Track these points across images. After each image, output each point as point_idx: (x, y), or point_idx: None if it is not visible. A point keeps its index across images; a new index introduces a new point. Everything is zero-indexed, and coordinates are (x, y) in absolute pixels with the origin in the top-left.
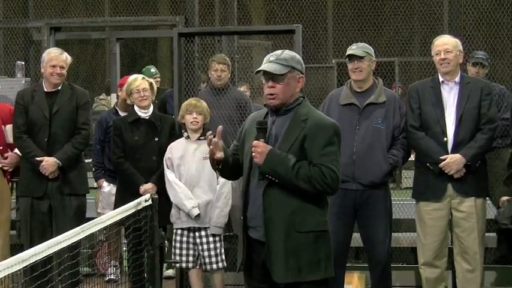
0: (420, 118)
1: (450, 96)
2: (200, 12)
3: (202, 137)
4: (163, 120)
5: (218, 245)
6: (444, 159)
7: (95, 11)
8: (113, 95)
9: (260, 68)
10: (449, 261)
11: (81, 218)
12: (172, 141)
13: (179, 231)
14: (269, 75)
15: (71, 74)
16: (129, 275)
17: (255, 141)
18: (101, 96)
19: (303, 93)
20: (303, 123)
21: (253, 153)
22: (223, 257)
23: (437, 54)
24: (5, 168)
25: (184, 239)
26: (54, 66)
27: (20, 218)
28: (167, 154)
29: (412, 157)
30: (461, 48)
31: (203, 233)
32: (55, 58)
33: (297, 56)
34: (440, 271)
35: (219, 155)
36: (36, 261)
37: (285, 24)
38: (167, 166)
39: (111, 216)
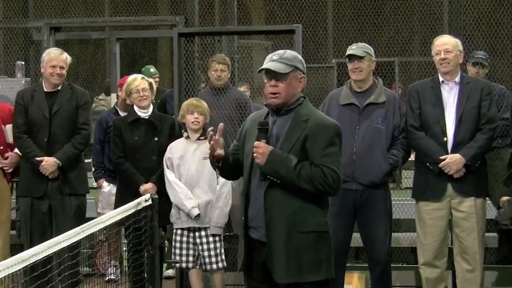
0: (420, 118)
1: (450, 96)
2: (200, 12)
3: (202, 137)
4: (163, 120)
5: (218, 245)
6: (444, 159)
7: (94, 11)
8: (113, 95)
9: (263, 67)
10: (449, 261)
11: (81, 218)
12: (172, 141)
13: (179, 231)
14: (272, 74)
15: (71, 74)
16: (129, 275)
17: (257, 142)
18: (100, 97)
19: (303, 93)
20: (304, 123)
21: (255, 154)
22: (223, 257)
23: (437, 54)
24: (5, 168)
25: (184, 239)
26: (54, 66)
27: (20, 218)
28: (167, 154)
29: (412, 157)
30: (461, 48)
31: (203, 233)
32: (55, 58)
33: (299, 56)
34: (440, 271)
35: (220, 151)
36: (36, 261)
37: (285, 24)
38: (167, 166)
39: (111, 216)
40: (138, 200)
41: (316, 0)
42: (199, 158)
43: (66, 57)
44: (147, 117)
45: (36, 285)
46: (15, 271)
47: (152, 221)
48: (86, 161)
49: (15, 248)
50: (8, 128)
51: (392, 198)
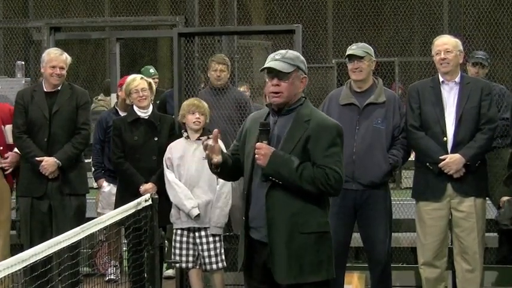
0: (420, 118)
1: (450, 96)
2: (200, 12)
3: (202, 137)
4: (163, 120)
5: (218, 245)
6: (444, 159)
7: (95, 11)
8: (113, 95)
9: (266, 65)
10: (449, 261)
11: (81, 218)
12: (172, 141)
13: (179, 231)
14: (274, 74)
15: (71, 74)
16: (129, 275)
17: (258, 143)
18: (99, 97)
19: (303, 94)
20: (306, 123)
21: (257, 155)
22: (223, 257)
23: (437, 54)
24: (6, 167)
25: (184, 239)
26: (54, 67)
27: (20, 218)
28: (167, 154)
29: (412, 157)
30: (461, 48)
31: (203, 233)
32: (55, 59)
33: (301, 56)
34: (440, 271)
35: (217, 159)
36: (36, 261)
37: (285, 24)
38: (167, 166)
39: (111, 216)
40: (138, 200)
41: (316, 0)
42: (199, 158)
43: (66, 58)
44: (146, 117)
45: (36, 285)
46: (15, 271)
47: (152, 221)
48: (86, 161)
49: (15, 248)
50: (8, 129)
51: (392, 198)
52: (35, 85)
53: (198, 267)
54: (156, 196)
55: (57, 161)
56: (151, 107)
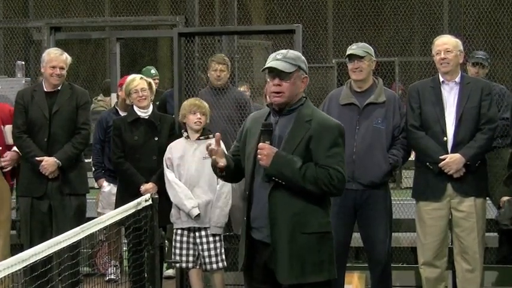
0: (420, 118)
1: (450, 96)
2: (200, 12)
3: (202, 137)
4: (163, 120)
5: (218, 244)
6: (444, 159)
7: (95, 10)
8: (113, 95)
9: (268, 65)
10: (449, 261)
11: (81, 218)
12: (172, 141)
13: (179, 231)
14: (275, 73)
15: (71, 74)
16: (129, 275)
17: (261, 144)
18: (99, 97)
19: (304, 93)
20: (308, 124)
21: (259, 156)
22: (224, 256)
23: (437, 54)
24: (5, 165)
25: (185, 239)
26: (54, 67)
27: (20, 218)
28: (167, 154)
29: (412, 157)
30: (461, 48)
31: (203, 233)
32: (55, 59)
33: (302, 56)
34: (440, 271)
35: (222, 163)
36: (36, 261)
37: (285, 24)
38: (167, 166)
39: (111, 216)
40: (138, 200)
41: (316, 0)
42: (199, 158)
43: (66, 58)
44: (147, 117)
45: (36, 285)
46: (15, 271)
47: (152, 221)
48: (86, 161)
49: (15, 248)
50: (8, 129)
51: (392, 198)
52: (35, 85)
53: (198, 267)
54: (156, 196)
55: (57, 161)
56: (151, 106)
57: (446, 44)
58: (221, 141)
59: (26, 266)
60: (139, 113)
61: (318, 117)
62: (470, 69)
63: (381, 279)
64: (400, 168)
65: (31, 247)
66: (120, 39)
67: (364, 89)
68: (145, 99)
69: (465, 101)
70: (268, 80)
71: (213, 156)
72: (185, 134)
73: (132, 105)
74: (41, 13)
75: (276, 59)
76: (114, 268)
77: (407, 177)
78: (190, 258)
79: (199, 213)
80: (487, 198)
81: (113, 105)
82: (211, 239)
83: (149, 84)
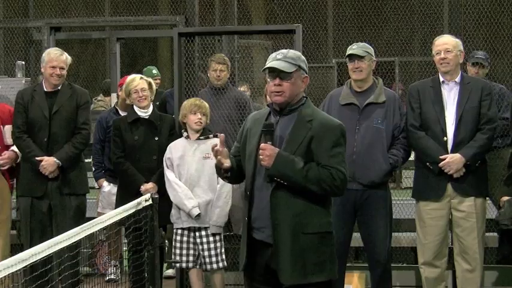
0: (420, 118)
1: (450, 96)
2: (200, 12)
3: (202, 137)
4: (163, 120)
5: (218, 244)
6: (444, 159)
7: (95, 10)
8: (113, 95)
9: (268, 65)
10: (449, 261)
11: (81, 218)
12: (172, 140)
13: (179, 231)
14: (276, 73)
15: (71, 74)
16: (129, 275)
17: (263, 144)
18: (99, 97)
19: (304, 93)
20: (309, 123)
21: (261, 156)
22: (224, 256)
23: (437, 53)
24: (2, 162)
25: (185, 238)
26: (54, 67)
27: (20, 218)
28: (167, 154)
29: (412, 157)
30: (461, 48)
31: (203, 232)
32: (55, 59)
33: (302, 56)
34: (440, 271)
35: (227, 164)
36: (36, 261)
37: (285, 24)
38: (167, 166)
39: (111, 216)
40: (138, 200)
41: (316, 0)
42: (199, 158)
43: (66, 58)
44: (147, 117)
45: (36, 285)
46: (15, 271)
47: (152, 221)
48: (86, 160)
49: (15, 248)
50: (7, 129)
51: (392, 198)
52: (35, 85)
53: (198, 267)
54: (156, 196)
55: (57, 161)
56: (151, 106)
57: (446, 44)
58: None
59: (26, 266)
60: (139, 113)
61: (319, 117)
62: (470, 69)
63: (380, 279)
64: (400, 168)
65: (31, 247)
66: (120, 39)
67: (364, 89)
68: (145, 99)
69: (465, 101)
70: (269, 80)
71: (218, 157)
72: (185, 134)
73: (132, 105)
74: (41, 13)
75: (276, 59)
76: (114, 268)
77: (407, 177)
78: (191, 258)
79: (199, 213)
80: (487, 198)
81: (113, 105)
82: (211, 238)
83: (149, 84)
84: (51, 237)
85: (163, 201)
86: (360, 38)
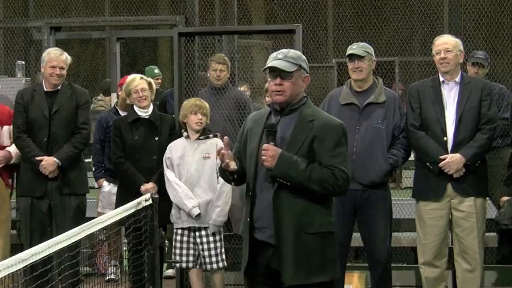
0: (420, 118)
1: (450, 96)
2: (200, 12)
3: (202, 137)
4: (163, 120)
5: (218, 244)
6: (444, 159)
7: (95, 10)
8: (113, 95)
9: (269, 65)
10: (449, 261)
11: (81, 217)
12: (172, 140)
13: (179, 231)
14: (277, 73)
15: (71, 74)
16: (129, 275)
17: (266, 145)
18: (99, 97)
19: (305, 93)
20: (311, 123)
21: (264, 157)
22: (224, 256)
23: (437, 53)
24: None
25: (185, 238)
26: (53, 67)
27: (20, 218)
28: (167, 154)
29: (412, 157)
30: (461, 48)
31: (203, 232)
32: (55, 59)
33: (303, 55)
34: (440, 271)
35: (233, 166)
36: (36, 261)
37: (285, 24)
38: (167, 166)
39: (111, 216)
40: (138, 199)
41: (316, 0)
42: (199, 158)
43: (66, 58)
44: (147, 117)
45: (36, 285)
46: (15, 271)
47: (152, 221)
48: (86, 160)
49: (15, 248)
50: (5, 130)
51: (392, 198)
52: (35, 85)
53: (198, 267)
54: (156, 196)
55: (57, 161)
56: (151, 106)
57: (446, 43)
58: (221, 141)
59: (26, 266)
60: (139, 113)
61: (320, 117)
62: (469, 69)
63: (381, 279)
64: (400, 168)
65: (31, 247)
66: (120, 39)
67: (364, 88)
68: (145, 99)
69: (465, 101)
70: (269, 79)
71: (226, 160)
72: (185, 134)
73: (132, 105)
74: (41, 13)
75: (277, 59)
76: (114, 268)
77: (407, 177)
78: (191, 258)
79: (199, 213)
80: (487, 198)
81: (112, 105)
82: (211, 238)
83: (149, 84)
84: (51, 237)
85: (163, 201)
86: (360, 38)
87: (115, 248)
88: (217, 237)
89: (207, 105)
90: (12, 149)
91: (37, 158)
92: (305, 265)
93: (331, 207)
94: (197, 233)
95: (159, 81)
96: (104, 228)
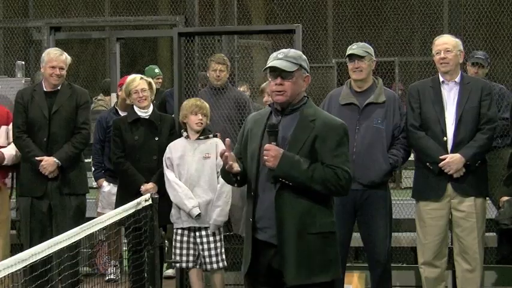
0: (420, 118)
1: (450, 96)
2: (200, 12)
3: (202, 137)
4: (163, 120)
5: (218, 244)
6: (444, 159)
7: (95, 10)
8: (113, 95)
9: (270, 65)
10: (449, 261)
11: (80, 217)
12: (172, 140)
13: (179, 231)
14: (277, 73)
15: (71, 74)
16: (129, 275)
17: (267, 145)
18: (99, 97)
19: (305, 93)
20: (312, 123)
21: (266, 157)
22: (224, 256)
23: (437, 53)
24: None
25: (185, 238)
26: (53, 67)
27: (20, 218)
28: (167, 154)
29: (412, 157)
30: (461, 48)
31: (203, 232)
32: (55, 59)
33: (303, 55)
34: (440, 271)
35: (237, 167)
36: (36, 261)
37: (285, 24)
38: (167, 166)
39: (111, 216)
40: (138, 199)
41: (316, 0)
42: (199, 158)
43: (65, 58)
44: (147, 117)
45: (36, 285)
46: (15, 271)
47: (152, 221)
48: (86, 160)
49: (15, 248)
50: (2, 130)
51: (392, 198)
52: (35, 85)
53: (198, 267)
54: (156, 196)
55: (57, 161)
56: (151, 106)
57: (446, 43)
58: (221, 141)
59: (26, 266)
60: (139, 113)
61: (322, 117)
62: (469, 69)
63: (381, 279)
64: (400, 168)
65: (31, 247)
66: (120, 39)
67: (364, 88)
68: (145, 99)
69: (465, 101)
70: (270, 79)
71: (230, 163)
72: (185, 134)
73: (132, 105)
74: (41, 13)
75: (277, 58)
76: (114, 268)
77: (407, 177)
78: (191, 258)
79: (199, 213)
80: (487, 198)
81: (112, 105)
82: (211, 238)
83: (149, 84)
84: (51, 237)
85: (163, 201)
86: (360, 38)
87: (115, 248)
88: (217, 237)
89: (207, 105)
90: (7, 150)
91: (37, 158)
92: (307, 265)
93: (332, 207)
94: (197, 233)
95: (160, 80)
96: (103, 228)
